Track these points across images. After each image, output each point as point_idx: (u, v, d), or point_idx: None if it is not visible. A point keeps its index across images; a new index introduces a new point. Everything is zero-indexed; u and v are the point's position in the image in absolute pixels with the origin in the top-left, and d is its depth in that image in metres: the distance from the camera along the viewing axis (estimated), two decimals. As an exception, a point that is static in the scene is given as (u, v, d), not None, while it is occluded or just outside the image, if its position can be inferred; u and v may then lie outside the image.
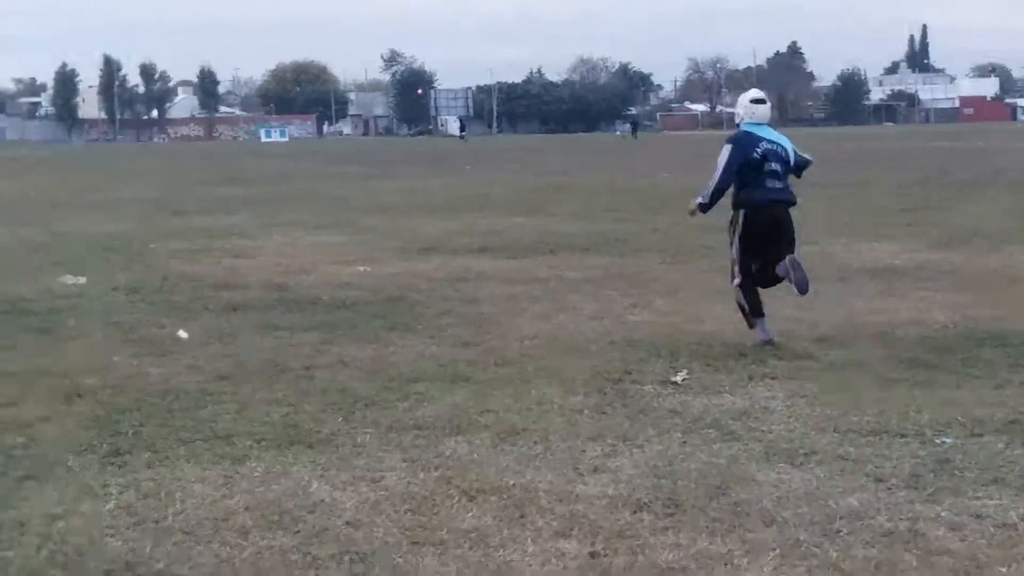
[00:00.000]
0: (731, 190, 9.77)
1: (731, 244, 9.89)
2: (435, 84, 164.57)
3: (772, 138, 9.85)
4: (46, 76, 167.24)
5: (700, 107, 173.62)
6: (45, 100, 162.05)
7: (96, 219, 23.86)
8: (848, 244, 17.09)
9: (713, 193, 9.82)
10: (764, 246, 9.66)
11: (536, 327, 10.92)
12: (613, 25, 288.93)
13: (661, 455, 6.66)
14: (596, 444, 6.92)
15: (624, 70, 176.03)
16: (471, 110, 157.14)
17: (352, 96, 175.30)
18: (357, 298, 12.74)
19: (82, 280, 14.03)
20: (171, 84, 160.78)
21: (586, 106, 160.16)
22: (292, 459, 6.67)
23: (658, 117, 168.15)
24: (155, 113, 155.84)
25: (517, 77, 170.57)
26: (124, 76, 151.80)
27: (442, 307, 12.16)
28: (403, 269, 15.31)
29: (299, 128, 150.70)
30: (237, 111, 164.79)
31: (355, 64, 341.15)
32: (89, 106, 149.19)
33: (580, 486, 6.12)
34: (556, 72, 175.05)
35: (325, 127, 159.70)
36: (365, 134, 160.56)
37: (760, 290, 9.86)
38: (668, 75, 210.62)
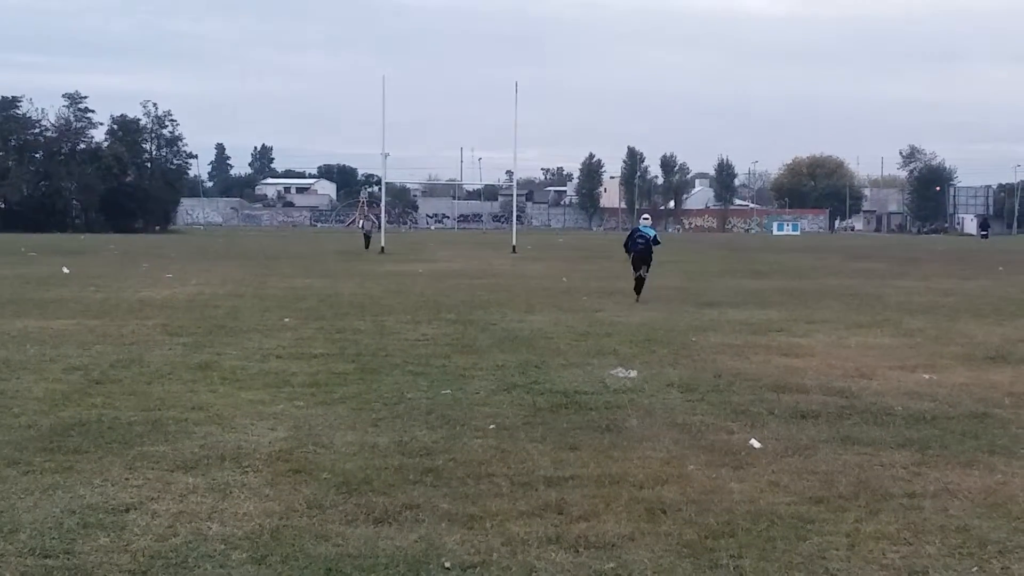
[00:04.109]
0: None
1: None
2: (954, 181, 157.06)
3: (643, 230, 26.96)
4: (572, 167, 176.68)
5: None
6: (570, 189, 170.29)
7: (631, 307, 23.80)
8: None
9: (627, 247, 26.92)
10: (637, 265, 26.07)
11: None
12: None
13: None
14: None
15: None
16: (991, 209, 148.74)
17: (866, 192, 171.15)
18: (935, 411, 11.40)
19: (633, 374, 13.55)
20: (689, 176, 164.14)
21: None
22: (933, 621, 5.48)
23: None
24: (671, 204, 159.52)
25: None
26: (645, 167, 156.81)
27: (1039, 429, 10.55)
28: (972, 379, 13.74)
29: (811, 222, 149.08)
30: (751, 204, 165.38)
31: (871, 159, 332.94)
32: (610, 195, 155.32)
33: None
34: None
35: (836, 222, 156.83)
36: (877, 230, 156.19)
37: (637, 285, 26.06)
38: None
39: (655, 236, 27.01)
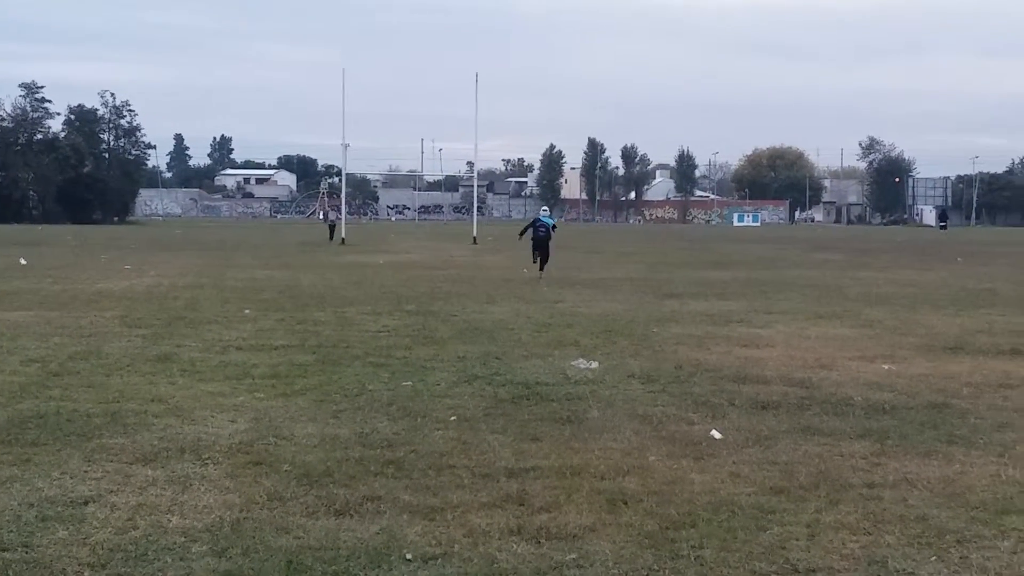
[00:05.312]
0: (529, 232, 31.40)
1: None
2: (913, 172, 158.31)
3: (543, 219, 31.33)
4: (533, 158, 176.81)
5: None
6: (531, 180, 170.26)
7: (591, 298, 23.84)
8: None
9: (522, 233, 32.21)
10: (537, 251, 30.69)
11: (1125, 451, 9.21)
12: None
13: None
14: None
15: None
16: (949, 200, 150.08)
17: (826, 183, 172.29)
18: (894, 402, 11.47)
19: (594, 365, 13.57)
20: (650, 167, 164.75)
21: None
22: (892, 610, 5.51)
23: None
24: (632, 195, 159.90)
25: (998, 167, 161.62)
26: (606, 159, 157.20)
27: (997, 418, 10.70)
28: (931, 370, 13.83)
29: (771, 213, 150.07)
30: (711, 195, 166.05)
31: (831, 150, 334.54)
32: (571, 186, 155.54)
33: None
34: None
35: (796, 213, 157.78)
36: (837, 221, 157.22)
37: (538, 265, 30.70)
38: None
39: (553, 224, 31.62)
